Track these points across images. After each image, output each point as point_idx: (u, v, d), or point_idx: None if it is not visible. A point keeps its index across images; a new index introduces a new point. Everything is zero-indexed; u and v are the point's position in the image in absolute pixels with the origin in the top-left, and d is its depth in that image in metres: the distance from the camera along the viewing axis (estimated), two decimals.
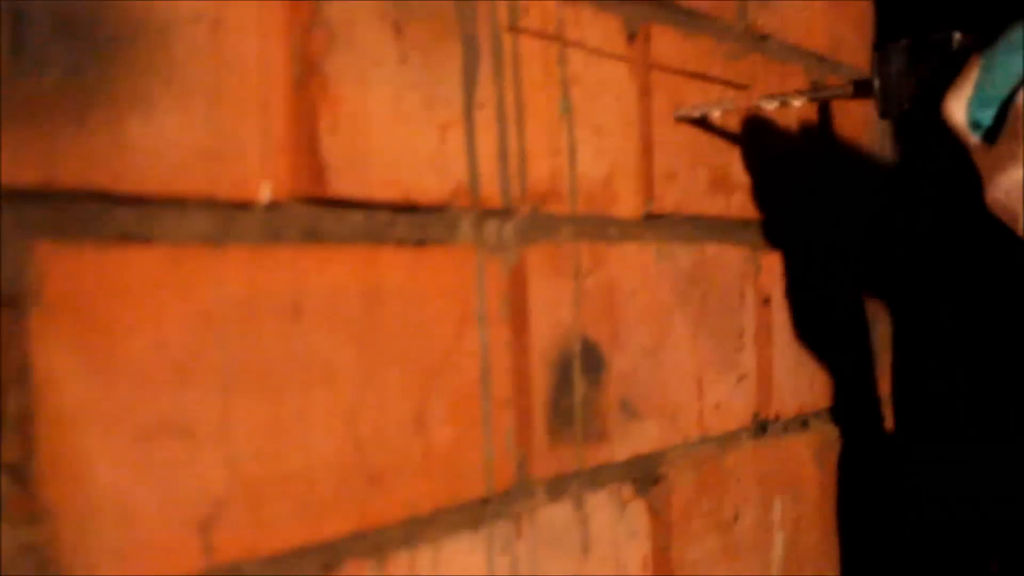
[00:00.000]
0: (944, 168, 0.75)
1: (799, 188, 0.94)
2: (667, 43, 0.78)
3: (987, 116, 0.66)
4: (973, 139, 0.67)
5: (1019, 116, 0.63)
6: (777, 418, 0.91)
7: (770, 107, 0.81)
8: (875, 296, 1.03)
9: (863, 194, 1.03)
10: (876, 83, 0.76)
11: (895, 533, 1.01)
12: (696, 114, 0.80)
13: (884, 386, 1.05)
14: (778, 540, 0.90)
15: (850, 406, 0.99)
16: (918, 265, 1.02)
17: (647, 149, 0.77)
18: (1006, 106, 0.65)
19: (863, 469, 1.00)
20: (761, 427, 0.89)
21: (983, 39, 0.67)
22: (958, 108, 0.66)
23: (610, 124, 0.73)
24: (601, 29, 0.73)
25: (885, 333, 1.06)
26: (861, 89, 0.79)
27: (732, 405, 0.84)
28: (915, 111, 0.73)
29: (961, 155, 0.69)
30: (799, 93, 0.81)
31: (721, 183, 0.84)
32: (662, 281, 0.77)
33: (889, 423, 1.03)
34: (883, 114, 0.77)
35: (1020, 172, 0.64)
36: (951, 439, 0.98)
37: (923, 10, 1.00)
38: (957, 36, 0.70)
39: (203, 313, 0.48)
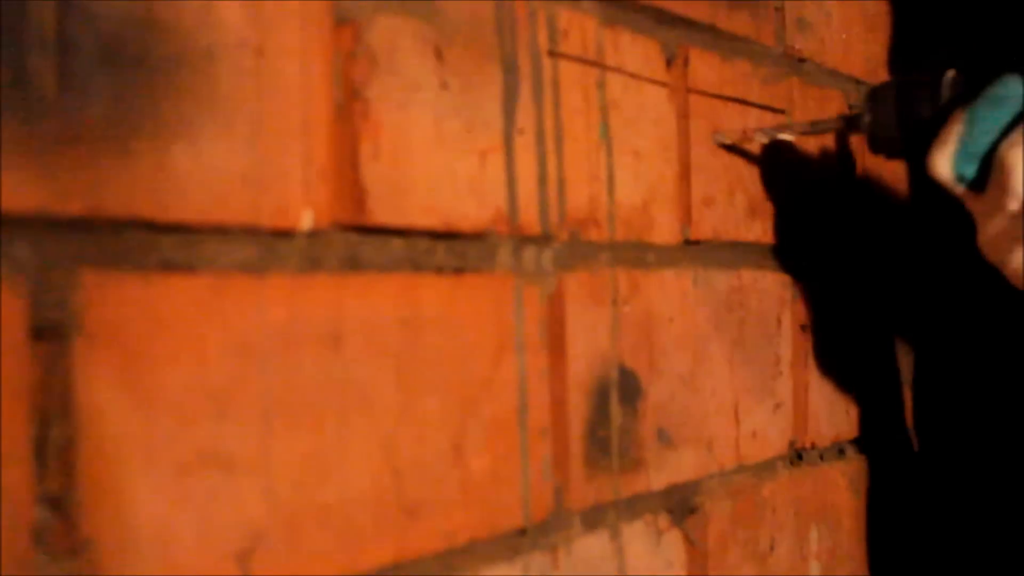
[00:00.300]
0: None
1: (831, 216, 0.93)
2: (705, 67, 0.78)
3: (971, 169, 0.69)
4: (960, 189, 0.70)
5: (1001, 168, 0.66)
6: (813, 446, 0.90)
7: (764, 140, 0.80)
8: (902, 326, 1.02)
9: (892, 225, 1.03)
10: (866, 119, 0.76)
11: (926, 559, 1.00)
12: (735, 139, 0.80)
13: (908, 415, 1.04)
14: (814, 570, 0.89)
15: (880, 435, 0.99)
16: (939, 296, 1.02)
17: (685, 174, 0.76)
18: (990, 157, 0.68)
19: (893, 497, 0.99)
20: (797, 455, 0.88)
21: (974, 79, 0.68)
22: (943, 163, 0.69)
23: (648, 149, 0.73)
24: (640, 53, 0.73)
25: (909, 364, 1.05)
26: (852, 125, 0.79)
27: (768, 433, 0.84)
28: (905, 153, 0.73)
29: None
30: (793, 126, 0.81)
31: (758, 208, 0.83)
32: (699, 308, 0.76)
33: (915, 451, 1.02)
34: (873, 151, 0.78)
35: (1003, 222, 0.67)
36: (974, 467, 0.97)
37: (939, 32, 1.00)
38: (950, 74, 0.71)
39: (243, 342, 0.48)
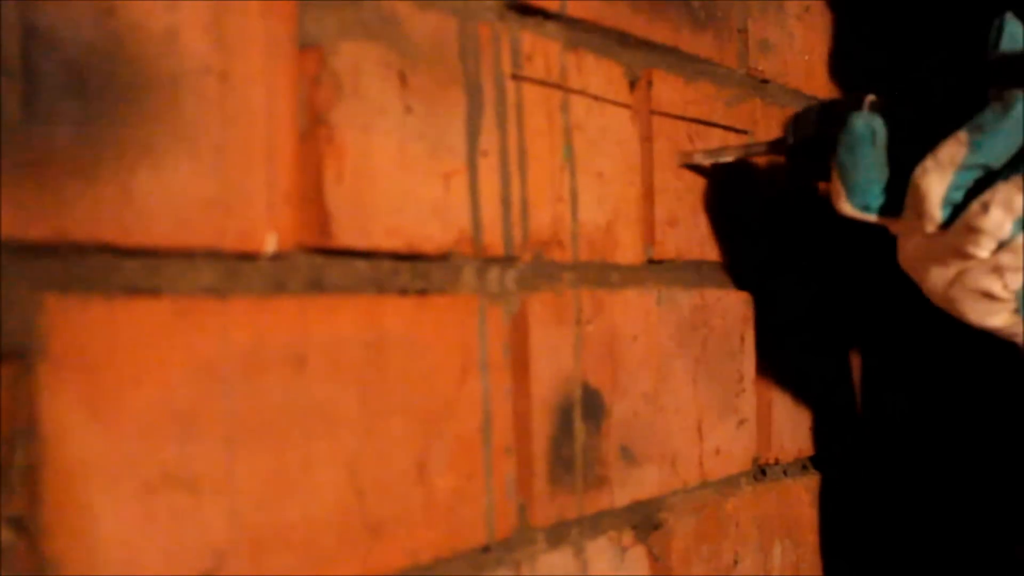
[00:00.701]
0: None
1: (789, 235, 0.94)
2: (668, 89, 0.79)
3: (875, 198, 0.72)
4: (873, 218, 0.73)
5: (916, 194, 0.69)
6: (777, 462, 0.91)
7: (707, 163, 0.81)
8: (853, 339, 1.03)
9: (846, 243, 1.04)
10: (788, 142, 0.78)
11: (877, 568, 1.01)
12: (698, 161, 0.81)
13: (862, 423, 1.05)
14: None
15: (834, 449, 0.99)
16: (883, 310, 1.04)
17: (648, 194, 0.77)
18: (894, 185, 0.71)
19: (847, 510, 1.00)
20: (761, 471, 0.89)
21: (893, 103, 0.71)
22: (845, 205, 0.73)
23: (612, 170, 0.74)
24: (603, 76, 0.74)
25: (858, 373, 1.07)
26: (775, 148, 0.80)
27: (732, 449, 0.85)
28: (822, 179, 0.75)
29: None
30: (730, 149, 0.82)
31: (721, 228, 0.84)
32: (663, 327, 0.77)
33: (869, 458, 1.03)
34: (794, 172, 0.79)
35: (921, 242, 0.71)
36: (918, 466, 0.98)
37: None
38: (870, 98, 0.73)
39: (207, 365, 0.49)
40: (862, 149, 0.71)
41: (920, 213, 0.70)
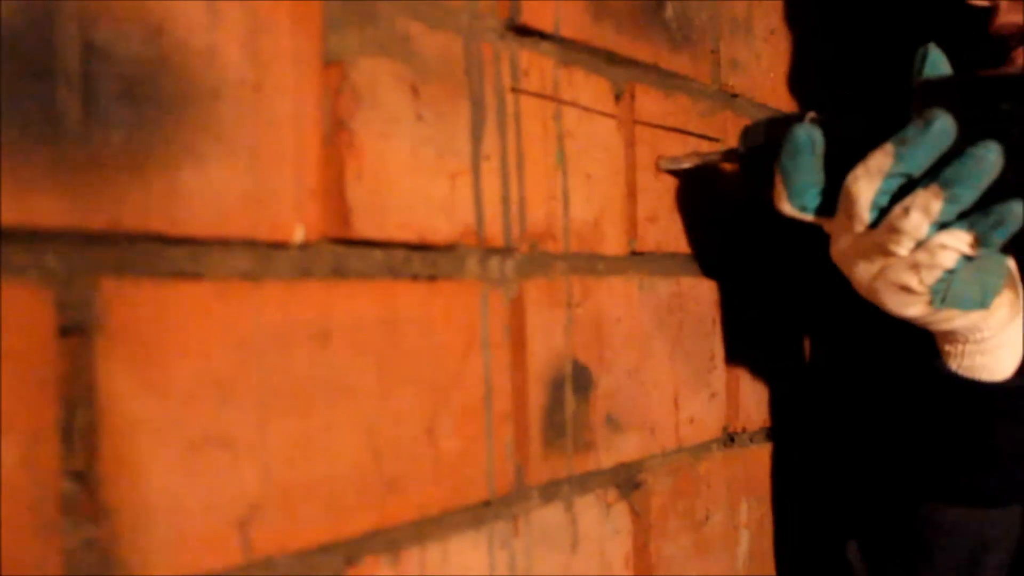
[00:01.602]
0: None
1: (752, 232, 0.95)
2: (649, 102, 0.80)
3: (812, 200, 0.73)
4: (809, 218, 0.74)
5: (847, 197, 0.70)
6: (744, 430, 0.91)
7: (670, 168, 0.81)
8: (806, 324, 1.04)
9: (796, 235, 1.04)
10: (739, 151, 0.78)
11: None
12: (675, 165, 0.81)
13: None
14: (744, 538, 0.91)
15: (788, 421, 1.00)
16: (825, 297, 1.05)
17: (632, 194, 0.78)
18: (829, 189, 0.72)
19: (798, 476, 1.00)
20: (730, 438, 0.90)
21: (832, 119, 0.72)
22: (784, 205, 0.74)
23: (599, 172, 0.74)
24: (592, 89, 0.74)
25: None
26: (728, 157, 0.80)
27: (704, 419, 0.85)
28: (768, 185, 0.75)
29: None
30: (689, 156, 0.82)
31: (694, 224, 0.85)
32: (644, 310, 0.78)
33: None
34: (745, 182, 0.79)
35: (850, 239, 0.72)
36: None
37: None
38: (811, 115, 0.73)
39: (243, 340, 0.49)
40: (802, 156, 0.72)
41: (851, 215, 0.71)
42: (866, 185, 0.69)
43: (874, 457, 0.88)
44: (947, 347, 0.76)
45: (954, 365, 0.76)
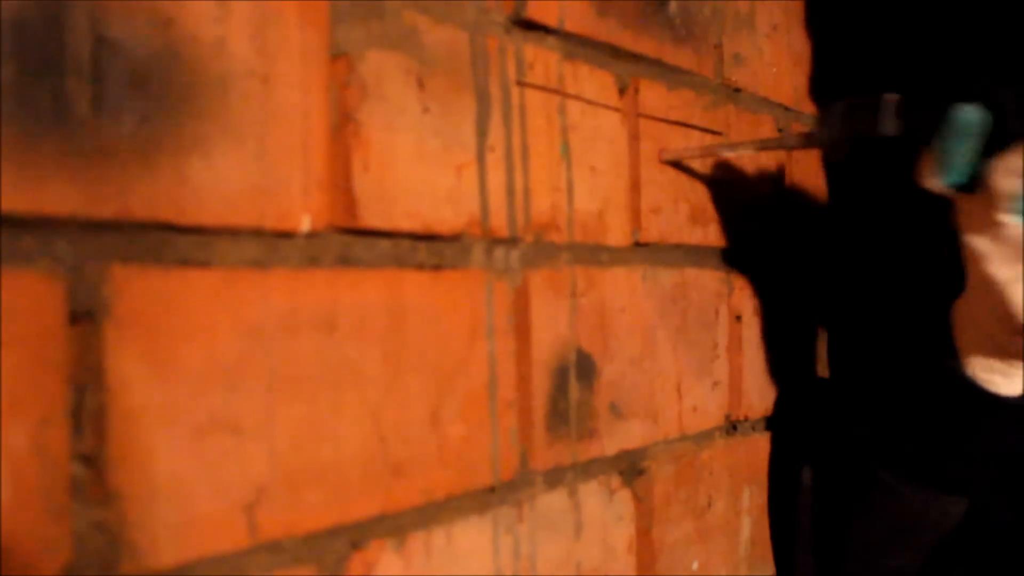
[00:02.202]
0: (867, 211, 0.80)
1: (761, 223, 0.94)
2: (653, 95, 0.79)
3: (963, 178, 0.71)
4: (950, 192, 0.72)
5: (990, 185, 0.69)
6: (746, 419, 0.91)
7: (730, 155, 0.81)
8: (818, 314, 1.03)
9: (812, 228, 1.04)
10: (822, 135, 0.77)
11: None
12: (678, 158, 0.81)
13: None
14: (745, 524, 0.90)
15: (791, 408, 0.99)
16: (847, 288, 1.04)
17: (635, 187, 0.77)
18: (975, 171, 0.71)
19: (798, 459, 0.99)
20: (732, 426, 0.89)
21: (912, 99, 0.70)
22: (934, 182, 0.72)
23: (603, 165, 0.74)
24: (596, 83, 0.74)
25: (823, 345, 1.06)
26: (810, 140, 0.80)
27: (707, 407, 0.85)
28: (851, 160, 0.74)
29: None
30: (753, 143, 0.81)
31: (699, 216, 0.84)
32: (647, 300, 0.78)
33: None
34: (826, 159, 0.78)
35: (993, 231, 0.70)
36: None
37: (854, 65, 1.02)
38: (891, 98, 0.72)
39: (250, 326, 0.49)
40: (966, 137, 0.70)
41: (991, 204, 0.70)
42: (1011, 183, 0.68)
43: (855, 419, 0.88)
44: (975, 358, 0.76)
45: (970, 372, 0.76)
